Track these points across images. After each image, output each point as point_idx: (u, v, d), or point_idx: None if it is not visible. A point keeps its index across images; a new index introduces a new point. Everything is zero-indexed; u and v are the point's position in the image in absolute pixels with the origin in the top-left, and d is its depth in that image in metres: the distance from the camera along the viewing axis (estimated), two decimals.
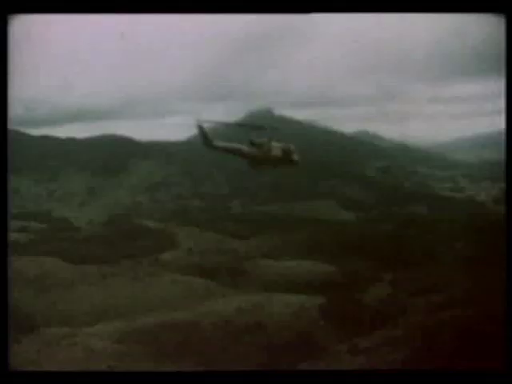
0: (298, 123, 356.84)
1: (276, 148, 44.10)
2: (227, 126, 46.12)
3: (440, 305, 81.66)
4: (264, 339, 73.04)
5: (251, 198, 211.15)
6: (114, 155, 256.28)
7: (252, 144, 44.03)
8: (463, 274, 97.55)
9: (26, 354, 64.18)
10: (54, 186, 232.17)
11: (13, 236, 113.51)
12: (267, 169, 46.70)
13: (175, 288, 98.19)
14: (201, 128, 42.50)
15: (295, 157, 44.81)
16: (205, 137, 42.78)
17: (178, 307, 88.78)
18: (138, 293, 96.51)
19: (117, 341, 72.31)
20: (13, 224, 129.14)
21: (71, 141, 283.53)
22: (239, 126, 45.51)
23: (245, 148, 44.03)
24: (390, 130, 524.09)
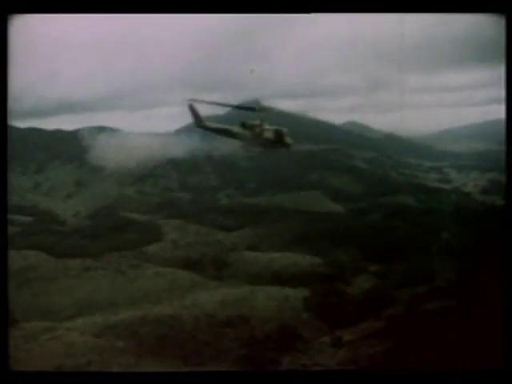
0: (286, 114, 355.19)
1: (268, 130, 44.04)
2: (219, 106, 45.20)
3: (425, 296, 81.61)
4: (246, 333, 72.67)
5: (239, 190, 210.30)
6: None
7: (244, 126, 43.75)
8: (449, 265, 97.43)
9: None
10: (41, 179, 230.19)
11: None
12: (259, 152, 46.34)
13: (159, 281, 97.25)
14: (192, 108, 42.02)
15: (288, 139, 44.70)
16: (196, 117, 42.40)
17: (161, 300, 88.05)
18: (121, 286, 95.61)
19: (97, 335, 71.50)
20: None
21: (58, 133, 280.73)
22: (232, 107, 44.99)
23: (236, 129, 43.86)
24: (380, 121, 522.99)
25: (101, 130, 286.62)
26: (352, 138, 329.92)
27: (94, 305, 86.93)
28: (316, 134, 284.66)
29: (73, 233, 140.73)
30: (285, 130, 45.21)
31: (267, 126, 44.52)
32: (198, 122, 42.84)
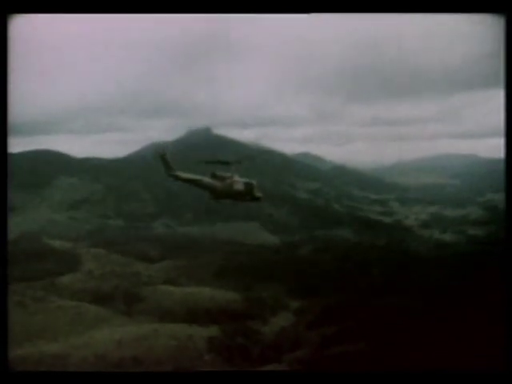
0: (238, 143, 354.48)
1: (238, 182, 42.77)
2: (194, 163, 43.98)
3: (333, 339, 77.10)
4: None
5: (176, 219, 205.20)
6: (41, 171, 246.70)
7: (214, 176, 42.22)
8: (367, 304, 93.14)
9: None
10: None
11: None
12: (228, 202, 45.08)
13: (60, 315, 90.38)
14: (163, 157, 41.11)
15: (258, 193, 43.50)
16: (167, 166, 41.12)
17: (57, 337, 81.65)
18: (19, 321, 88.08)
19: None
20: None
21: None
22: (206, 162, 43.85)
23: (207, 180, 42.88)
24: (332, 152, 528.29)
25: (43, 153, 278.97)
26: (300, 169, 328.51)
27: None
28: (264, 164, 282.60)
29: None
30: (255, 182, 43.76)
31: (237, 178, 42.83)
32: (169, 170, 41.11)
